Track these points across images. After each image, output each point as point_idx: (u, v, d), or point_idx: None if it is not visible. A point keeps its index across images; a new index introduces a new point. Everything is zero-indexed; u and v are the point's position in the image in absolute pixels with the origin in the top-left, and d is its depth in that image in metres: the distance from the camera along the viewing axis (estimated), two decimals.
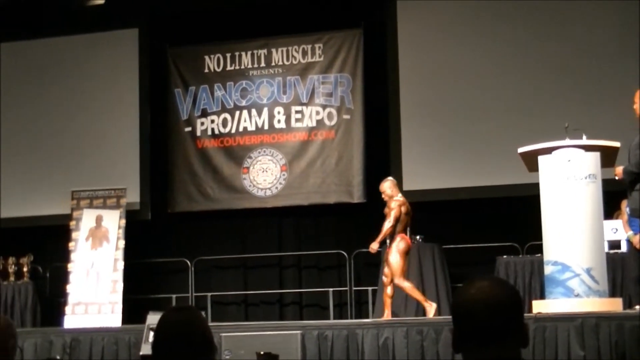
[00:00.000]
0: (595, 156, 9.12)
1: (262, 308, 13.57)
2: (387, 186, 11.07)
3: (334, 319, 12.44)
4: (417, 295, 10.81)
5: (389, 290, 10.97)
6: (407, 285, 10.82)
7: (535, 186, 9.53)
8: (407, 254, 10.94)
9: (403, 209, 10.90)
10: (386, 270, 11.05)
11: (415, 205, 12.63)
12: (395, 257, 10.79)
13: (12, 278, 13.17)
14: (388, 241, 10.98)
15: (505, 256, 11.77)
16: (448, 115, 12.99)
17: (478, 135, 12.82)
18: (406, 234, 11.00)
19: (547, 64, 12.69)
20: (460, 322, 2.60)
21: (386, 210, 10.99)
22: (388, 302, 10.99)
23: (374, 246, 10.87)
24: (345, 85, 13.45)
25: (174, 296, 13.26)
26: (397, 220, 10.82)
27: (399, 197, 10.98)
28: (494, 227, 12.47)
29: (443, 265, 11.85)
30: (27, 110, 14.52)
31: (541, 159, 9.31)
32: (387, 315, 10.86)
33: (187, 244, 13.88)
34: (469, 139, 12.84)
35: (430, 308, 10.60)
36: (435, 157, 12.94)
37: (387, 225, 10.80)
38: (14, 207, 14.22)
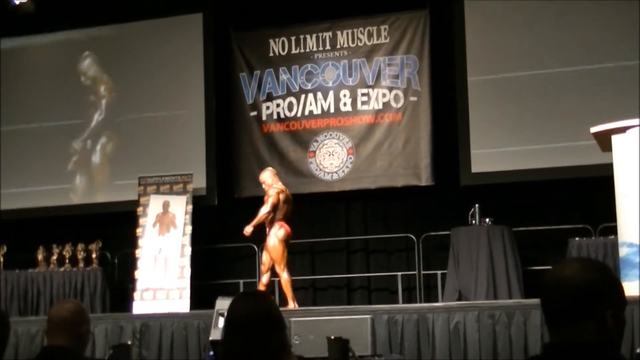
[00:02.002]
0: None
1: (330, 293, 13.59)
2: (267, 176, 11.43)
3: (403, 303, 12.42)
4: (288, 291, 11.09)
5: (264, 279, 11.18)
6: (285, 277, 11.12)
7: (609, 166, 9.43)
8: (286, 241, 11.16)
9: (282, 196, 11.20)
10: (264, 258, 11.22)
11: (484, 187, 12.63)
12: (274, 245, 11.08)
13: (81, 264, 13.39)
14: (267, 229, 11.15)
15: (577, 238, 11.66)
16: (517, 95, 12.86)
17: (548, 115, 12.67)
18: (286, 223, 11.20)
19: (619, 42, 12.49)
20: (541, 302, 2.62)
21: (265, 197, 11.19)
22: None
23: (248, 229, 11.19)
24: (411, 67, 13.39)
25: (241, 281, 13.33)
26: (274, 207, 11.10)
27: (279, 185, 11.29)
28: (566, 208, 12.35)
29: (513, 248, 11.76)
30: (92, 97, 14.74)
31: (615, 139, 9.21)
32: None
33: (254, 229, 13.94)
34: (539, 119, 12.70)
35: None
36: (504, 138, 12.83)
37: (264, 210, 11.17)
38: (83, 195, 14.45)
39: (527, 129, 12.74)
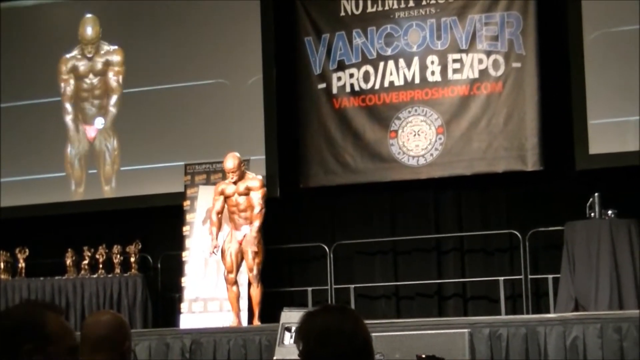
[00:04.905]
0: None
1: (417, 302, 13.56)
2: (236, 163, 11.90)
3: (507, 314, 12.33)
4: (235, 307, 11.82)
5: (234, 288, 11.33)
6: (233, 290, 11.86)
7: None
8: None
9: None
10: (229, 262, 11.29)
11: (605, 171, 12.46)
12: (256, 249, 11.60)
13: (118, 270, 13.50)
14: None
15: None
16: None
17: None
18: None
19: None
20: None
21: (244, 190, 12.01)
22: (237, 304, 11.81)
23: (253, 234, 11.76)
24: (514, 26, 13.24)
25: (309, 289, 13.37)
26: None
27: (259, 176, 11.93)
28: None
29: None
30: (136, 69, 14.85)
31: None
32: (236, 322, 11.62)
33: (324, 226, 13.97)
34: None
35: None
36: (629, 112, 12.65)
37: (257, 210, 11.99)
38: (119, 187, 14.55)
39: None
